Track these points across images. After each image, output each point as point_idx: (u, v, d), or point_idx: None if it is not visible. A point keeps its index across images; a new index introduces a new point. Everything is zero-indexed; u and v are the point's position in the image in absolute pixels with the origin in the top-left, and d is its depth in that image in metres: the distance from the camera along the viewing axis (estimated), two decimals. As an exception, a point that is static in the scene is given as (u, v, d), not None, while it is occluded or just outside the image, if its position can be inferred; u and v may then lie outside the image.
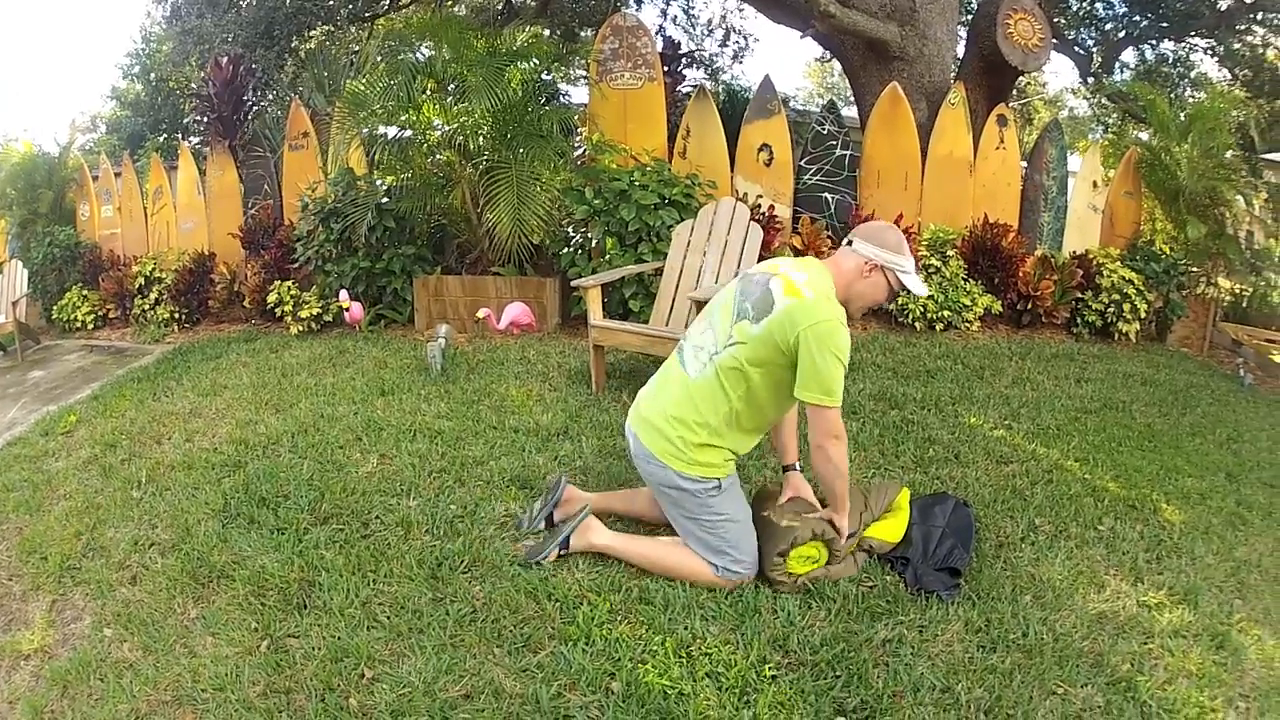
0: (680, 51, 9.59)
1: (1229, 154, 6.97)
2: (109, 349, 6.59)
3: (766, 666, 2.12)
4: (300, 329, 5.74)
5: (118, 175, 8.42)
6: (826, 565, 2.50)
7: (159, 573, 2.61)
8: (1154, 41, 11.63)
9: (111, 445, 3.78)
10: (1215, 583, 2.71)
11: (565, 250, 5.30)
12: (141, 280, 6.96)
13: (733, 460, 2.46)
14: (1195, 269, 6.49)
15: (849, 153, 6.03)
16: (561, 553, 2.56)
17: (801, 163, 6.12)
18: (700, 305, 3.66)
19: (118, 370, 5.59)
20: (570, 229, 5.36)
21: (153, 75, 12.42)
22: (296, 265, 6.11)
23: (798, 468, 2.69)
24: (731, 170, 6.06)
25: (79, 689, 2.20)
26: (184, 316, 6.72)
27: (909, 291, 2.46)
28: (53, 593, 2.70)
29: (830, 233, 5.77)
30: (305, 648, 2.19)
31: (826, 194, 6.07)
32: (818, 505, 2.57)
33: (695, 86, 6.57)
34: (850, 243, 2.46)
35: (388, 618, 2.30)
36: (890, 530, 2.66)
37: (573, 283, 4.40)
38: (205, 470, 3.33)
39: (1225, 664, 2.30)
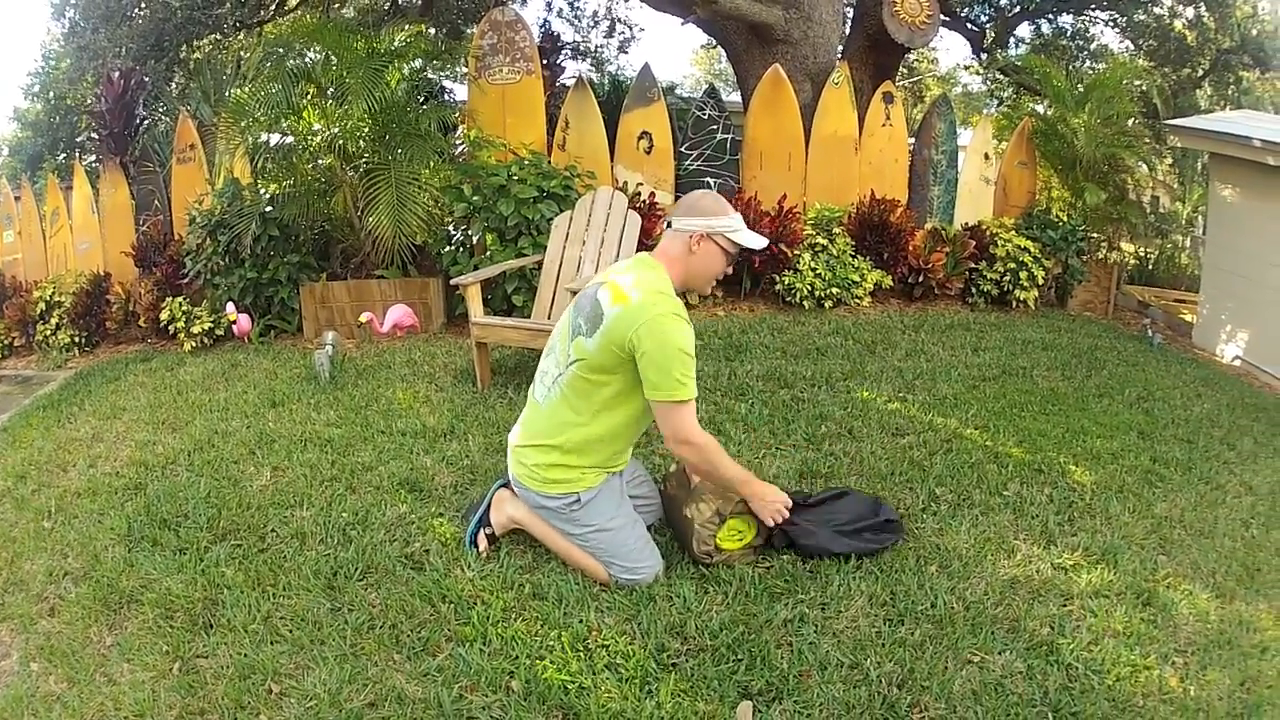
0: (560, 44, 9.60)
1: (1131, 121, 7.16)
2: (16, 378, 6.41)
3: (665, 654, 2.11)
4: (193, 345, 5.63)
5: (18, 199, 8.20)
6: (754, 540, 2.49)
7: (74, 602, 2.57)
8: (1051, 15, 11.88)
9: (22, 477, 3.70)
10: (1135, 541, 2.71)
11: (447, 249, 5.27)
12: (42, 305, 6.75)
13: (594, 473, 2.38)
14: (1096, 234, 6.63)
15: (730, 136, 6.10)
16: (487, 533, 2.59)
17: (682, 149, 6.18)
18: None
19: (24, 400, 5.44)
20: (451, 227, 5.33)
21: (51, 94, 12.11)
22: (187, 280, 5.99)
23: None
24: (612, 160, 6.09)
25: (14, 727, 2.17)
26: (84, 340, 6.55)
27: (747, 249, 2.38)
28: (-20, 630, 2.65)
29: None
30: (214, 667, 2.18)
31: (709, 178, 6.13)
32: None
33: (576, 78, 6.58)
34: (670, 225, 2.38)
35: (289, 631, 2.28)
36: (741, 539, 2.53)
37: (452, 281, 4.39)
38: (109, 495, 3.29)
39: (1155, 621, 2.29)
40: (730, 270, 2.47)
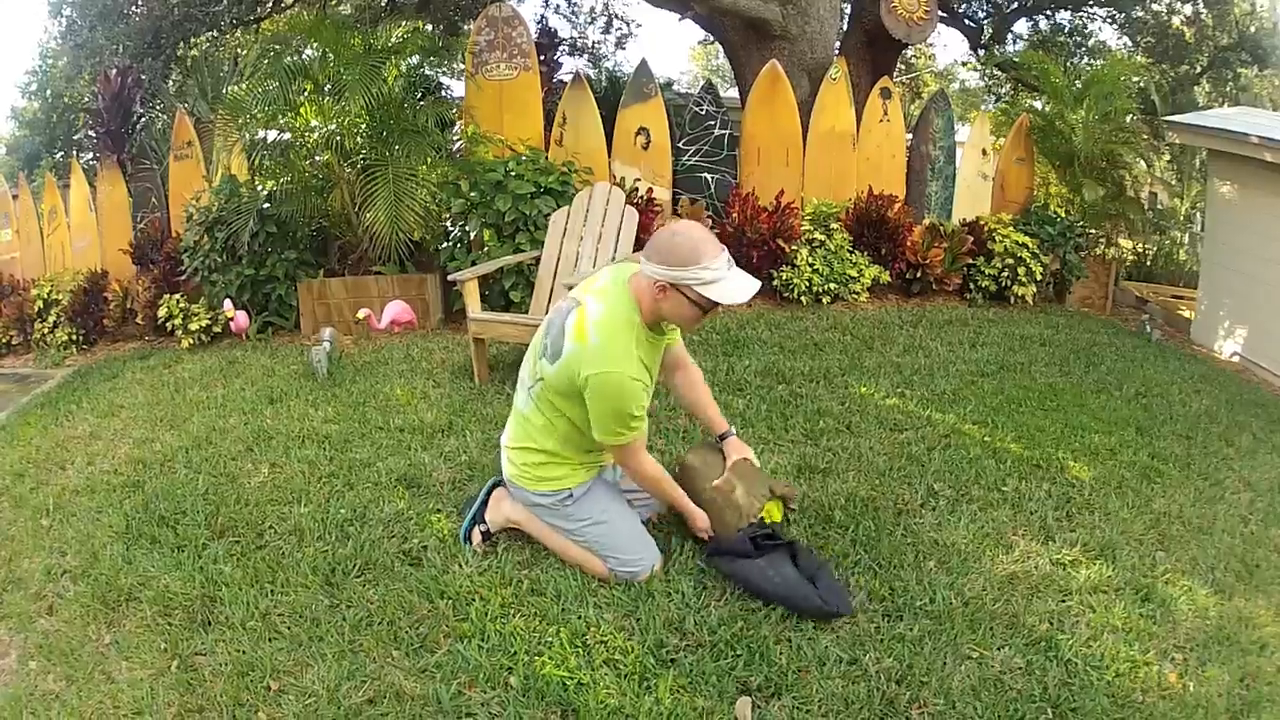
0: (558, 40, 9.60)
1: (1129, 118, 7.15)
2: (13, 376, 6.40)
3: (664, 650, 2.11)
4: (191, 342, 5.63)
5: (15, 198, 8.19)
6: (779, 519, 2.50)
7: (72, 600, 2.58)
8: (1049, 12, 11.89)
9: (20, 475, 3.70)
10: (1134, 536, 2.71)
11: (444, 245, 5.27)
12: (40, 304, 6.74)
13: (584, 468, 2.41)
14: (1094, 230, 6.63)
15: (728, 132, 6.11)
16: (482, 530, 2.58)
17: (680, 144, 6.18)
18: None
19: (22, 398, 5.44)
20: (449, 223, 5.33)
21: (48, 92, 12.13)
22: (185, 277, 5.99)
23: (733, 433, 2.58)
24: (609, 156, 6.09)
25: (14, 726, 2.16)
26: (81, 337, 6.54)
27: (722, 304, 2.09)
28: (-21, 629, 2.66)
29: (711, 212, 5.83)
30: (213, 664, 2.18)
31: (706, 174, 6.14)
32: (755, 461, 2.54)
33: (573, 74, 6.58)
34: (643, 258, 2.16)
35: (288, 628, 2.29)
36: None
37: (449, 277, 4.38)
38: (107, 493, 3.29)
39: (1154, 616, 2.29)
40: (711, 317, 2.23)
